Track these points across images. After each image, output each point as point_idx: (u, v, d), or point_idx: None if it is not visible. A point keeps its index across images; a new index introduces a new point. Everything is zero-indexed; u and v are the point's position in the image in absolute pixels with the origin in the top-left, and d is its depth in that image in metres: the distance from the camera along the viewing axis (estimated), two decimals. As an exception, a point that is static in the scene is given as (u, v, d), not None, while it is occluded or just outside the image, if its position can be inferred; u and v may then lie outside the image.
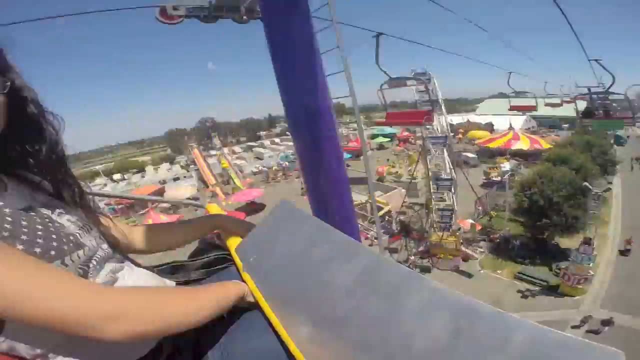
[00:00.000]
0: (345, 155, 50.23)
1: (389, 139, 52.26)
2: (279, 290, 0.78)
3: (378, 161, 37.67)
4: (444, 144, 17.46)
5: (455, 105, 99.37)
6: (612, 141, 35.40)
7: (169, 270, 0.99)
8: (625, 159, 28.47)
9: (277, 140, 63.89)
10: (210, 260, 1.02)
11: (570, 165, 16.95)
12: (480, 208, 20.88)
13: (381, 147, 50.34)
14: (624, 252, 14.67)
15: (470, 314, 0.49)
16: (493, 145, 36.83)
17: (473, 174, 29.63)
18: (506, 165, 28.46)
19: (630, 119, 13.05)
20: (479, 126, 54.50)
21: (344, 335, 0.61)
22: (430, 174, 17.65)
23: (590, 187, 14.38)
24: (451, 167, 16.93)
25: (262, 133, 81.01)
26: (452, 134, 58.63)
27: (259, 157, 47.61)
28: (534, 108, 14.87)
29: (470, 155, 36.09)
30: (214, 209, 1.39)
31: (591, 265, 12.68)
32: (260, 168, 39.38)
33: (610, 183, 24.48)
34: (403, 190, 22.32)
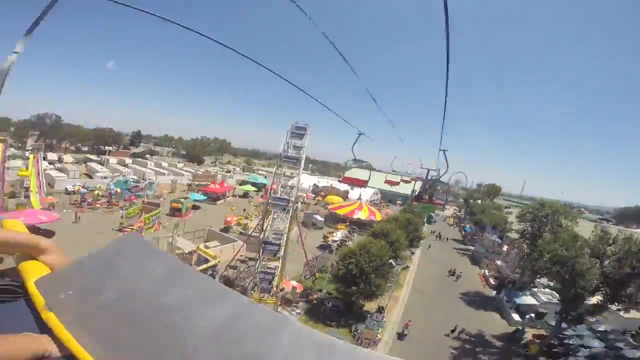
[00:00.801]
0: (199, 197, 40.63)
1: (257, 189, 51.14)
2: (109, 337, 0.61)
3: (232, 209, 37.91)
4: (284, 207, 16.79)
5: (330, 169, 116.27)
6: (424, 219, 45.85)
7: None
8: (428, 235, 38.99)
9: (128, 161, 58.53)
10: None
11: (389, 238, 21.48)
12: (307, 270, 22.47)
13: (246, 195, 48.77)
14: (400, 336, 17.35)
15: (330, 348, 0.62)
16: (341, 212, 42.11)
17: (316, 236, 32.61)
18: (338, 234, 32.96)
19: (443, 205, 19.56)
20: (337, 192, 59.73)
21: None
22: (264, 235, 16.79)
23: (394, 264, 18.93)
24: (286, 232, 17.37)
25: (111, 148, 72.33)
26: (313, 195, 60.57)
27: (89, 175, 42.89)
28: (365, 183, 16.19)
29: (319, 217, 39.54)
30: (12, 224, 1.01)
31: (379, 330, 16.21)
32: (78, 187, 32.47)
33: (413, 253, 32.54)
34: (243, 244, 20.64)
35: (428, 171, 15.48)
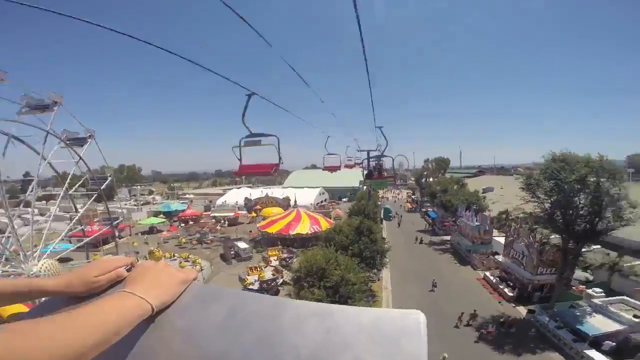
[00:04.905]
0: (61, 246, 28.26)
1: (164, 220, 42.62)
2: (121, 351, 0.65)
3: (135, 245, 31.51)
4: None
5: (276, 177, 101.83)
6: (382, 216, 37.43)
7: None
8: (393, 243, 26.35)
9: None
10: None
11: (328, 281, 12.95)
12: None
13: (151, 230, 39.30)
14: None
15: (329, 314, 0.67)
16: (272, 229, 31.25)
17: (234, 274, 23.62)
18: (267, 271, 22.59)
19: (393, 178, 16.77)
20: (276, 202, 47.78)
21: None
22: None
23: None
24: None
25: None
26: (246, 211, 48.12)
27: None
28: (338, 168, 14.26)
29: (242, 245, 28.56)
30: None
31: None
32: None
33: (378, 279, 22.44)
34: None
35: (368, 152, 13.76)
